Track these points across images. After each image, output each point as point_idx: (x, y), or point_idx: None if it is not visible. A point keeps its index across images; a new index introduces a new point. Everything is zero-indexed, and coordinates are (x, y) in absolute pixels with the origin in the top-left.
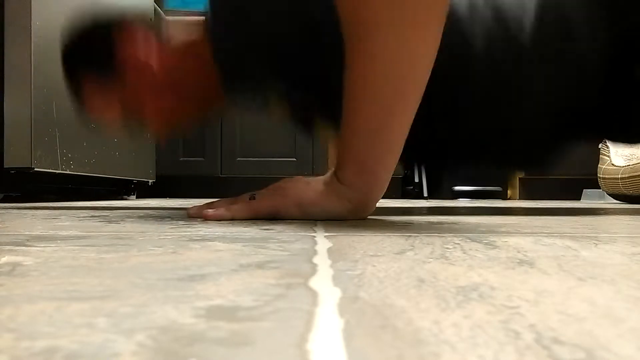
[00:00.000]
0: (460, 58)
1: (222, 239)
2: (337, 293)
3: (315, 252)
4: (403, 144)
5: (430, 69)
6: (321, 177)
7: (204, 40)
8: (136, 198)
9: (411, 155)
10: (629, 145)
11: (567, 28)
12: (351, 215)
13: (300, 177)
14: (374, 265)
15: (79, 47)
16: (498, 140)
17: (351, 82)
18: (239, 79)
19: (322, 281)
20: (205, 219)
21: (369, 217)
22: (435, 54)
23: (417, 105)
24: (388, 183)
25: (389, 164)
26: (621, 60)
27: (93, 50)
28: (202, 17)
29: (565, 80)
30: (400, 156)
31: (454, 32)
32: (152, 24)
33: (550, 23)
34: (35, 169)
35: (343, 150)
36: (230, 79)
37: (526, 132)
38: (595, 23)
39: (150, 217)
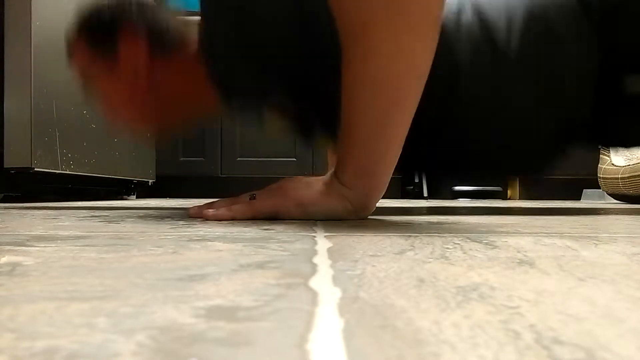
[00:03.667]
0: (448, 73)
1: (222, 239)
2: (337, 293)
3: (315, 252)
4: (402, 146)
5: (428, 71)
6: (321, 177)
7: (199, 52)
8: (136, 198)
9: (408, 165)
10: (624, 149)
11: (555, 44)
12: (351, 216)
13: (301, 177)
14: (374, 265)
15: (87, 26)
16: (491, 150)
17: (348, 83)
18: (234, 91)
19: (322, 281)
20: (206, 219)
21: (369, 217)
22: (432, 56)
23: (414, 107)
24: (387, 184)
25: (388, 166)
26: (610, 74)
27: (98, 33)
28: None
29: (554, 93)
30: (398, 166)
31: (442, 46)
32: (156, 25)
33: (537, 38)
34: (35, 169)
35: (342, 151)
36: (225, 91)
37: (518, 142)
38: (584, 41)
39: (150, 217)
